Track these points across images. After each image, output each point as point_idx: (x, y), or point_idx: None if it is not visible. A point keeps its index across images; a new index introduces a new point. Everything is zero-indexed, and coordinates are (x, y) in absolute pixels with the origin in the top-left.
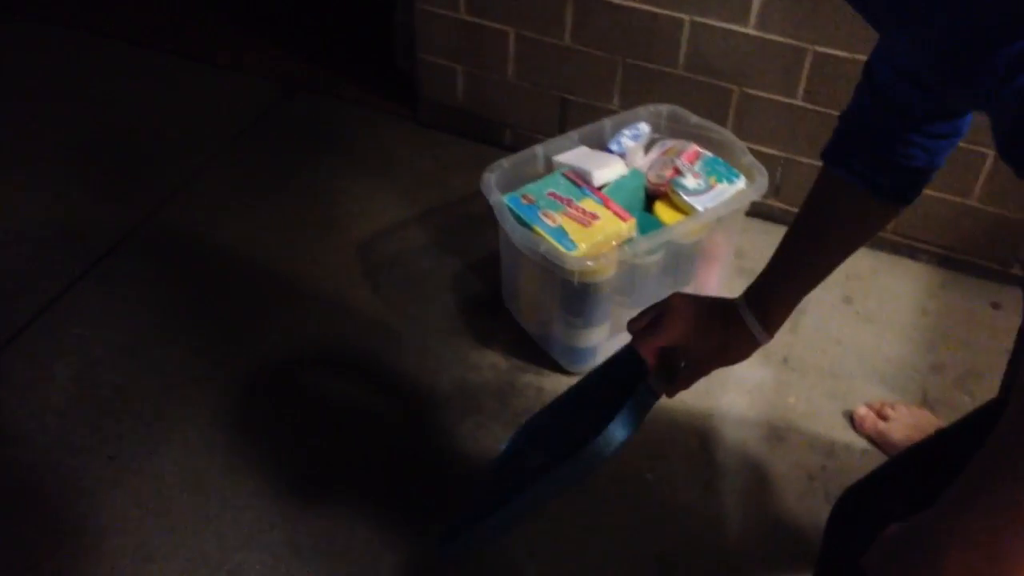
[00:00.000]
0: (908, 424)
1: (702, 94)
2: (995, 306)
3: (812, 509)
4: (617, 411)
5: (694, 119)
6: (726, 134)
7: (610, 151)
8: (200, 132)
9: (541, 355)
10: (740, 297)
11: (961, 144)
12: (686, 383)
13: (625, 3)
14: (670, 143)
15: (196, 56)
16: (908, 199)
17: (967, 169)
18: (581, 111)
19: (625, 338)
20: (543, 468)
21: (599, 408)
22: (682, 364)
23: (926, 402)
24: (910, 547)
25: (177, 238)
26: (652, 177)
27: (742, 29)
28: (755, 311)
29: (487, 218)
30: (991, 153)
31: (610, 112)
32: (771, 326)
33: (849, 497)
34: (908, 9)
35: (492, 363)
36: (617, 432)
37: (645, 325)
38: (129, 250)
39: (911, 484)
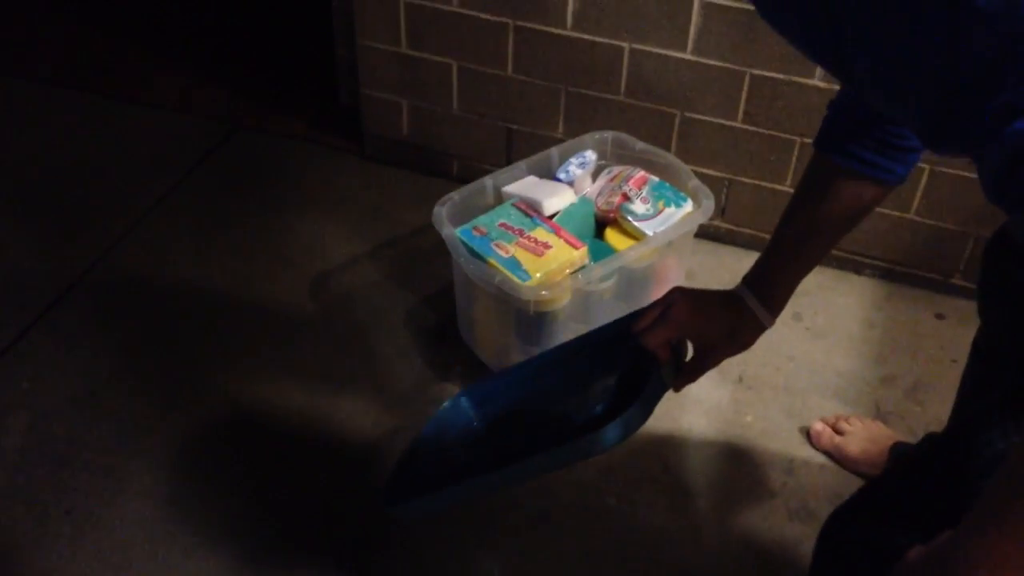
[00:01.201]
0: (863, 437)
1: (645, 119)
2: (939, 316)
3: (775, 526)
4: (624, 400)
5: (639, 145)
6: (671, 158)
7: (558, 180)
8: (142, 175)
9: None
10: (741, 285)
11: None
12: (695, 375)
13: (565, 33)
14: (617, 169)
15: (132, 98)
16: (902, 178)
17: (905, 184)
18: (527, 140)
19: None
20: (532, 445)
21: (590, 386)
22: (687, 357)
23: (879, 414)
24: (933, 570)
25: (125, 284)
26: (601, 204)
27: (680, 55)
28: (758, 296)
29: (438, 251)
30: (928, 167)
31: (556, 140)
32: (775, 309)
33: (836, 521)
34: (891, 83)
35: (452, 394)
36: (633, 422)
37: (652, 320)
38: (76, 298)
39: (898, 506)
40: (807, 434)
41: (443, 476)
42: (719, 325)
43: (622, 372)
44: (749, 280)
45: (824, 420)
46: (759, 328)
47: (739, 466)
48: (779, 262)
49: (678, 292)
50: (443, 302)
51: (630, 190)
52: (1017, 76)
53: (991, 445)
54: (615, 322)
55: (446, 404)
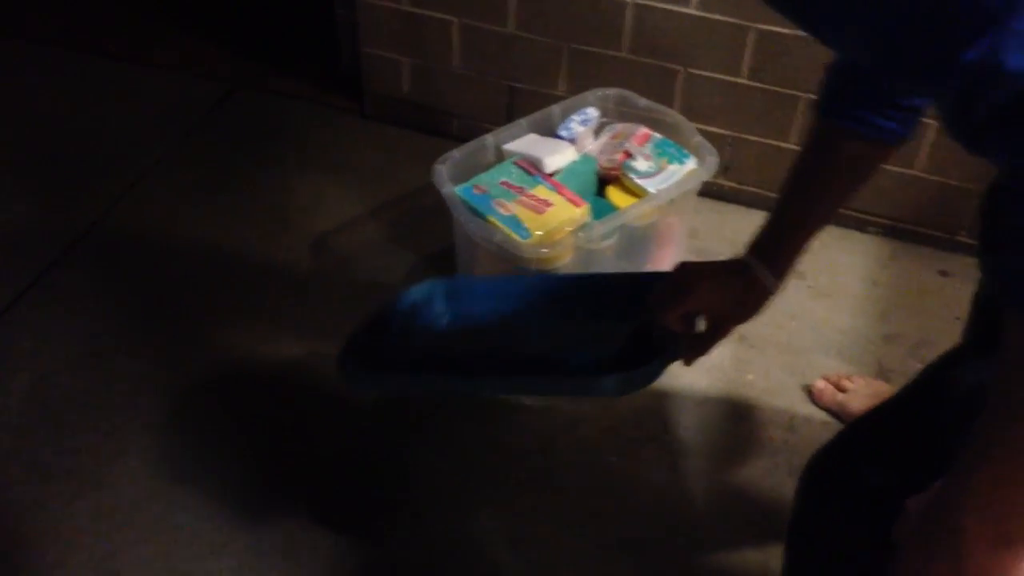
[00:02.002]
0: (866, 395)
1: (648, 76)
2: (943, 274)
3: (777, 483)
4: (633, 358)
5: (642, 102)
6: (674, 115)
7: (560, 137)
8: (143, 135)
9: None
10: (746, 253)
11: None
12: (707, 347)
13: None
14: (619, 127)
15: (133, 58)
16: (907, 137)
17: (911, 140)
18: (528, 98)
19: None
20: (527, 364)
21: (596, 329)
22: (703, 327)
23: (881, 372)
24: (930, 517)
25: (125, 244)
26: (603, 161)
27: (684, 9)
28: (765, 262)
29: (440, 210)
30: (933, 124)
31: (557, 98)
32: (781, 274)
33: (816, 463)
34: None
35: None
36: (638, 380)
37: (664, 295)
38: (77, 259)
39: (874, 446)
40: (809, 392)
41: (405, 359)
42: (728, 295)
43: (629, 330)
44: (754, 247)
45: (826, 378)
46: (766, 294)
47: (741, 424)
48: (784, 227)
49: (688, 265)
50: (445, 262)
51: (632, 147)
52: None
53: (962, 381)
54: (623, 275)
55: (421, 286)
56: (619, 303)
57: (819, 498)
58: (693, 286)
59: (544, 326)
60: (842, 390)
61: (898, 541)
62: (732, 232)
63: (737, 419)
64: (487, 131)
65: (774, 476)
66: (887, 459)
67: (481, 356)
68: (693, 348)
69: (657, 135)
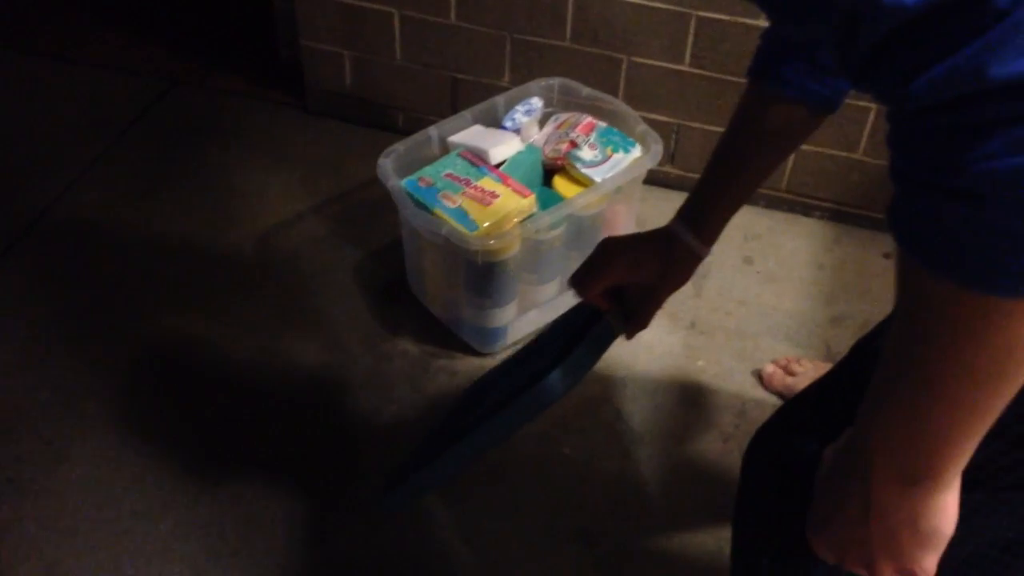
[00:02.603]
0: (814, 378)
1: (591, 65)
2: (887, 256)
3: (730, 469)
4: (571, 350)
5: (585, 91)
6: (618, 104)
7: (505, 128)
8: (79, 134)
9: (451, 338)
10: (674, 220)
11: (845, 100)
12: (644, 320)
13: None
14: (564, 116)
15: (67, 56)
16: (830, 101)
17: (852, 124)
18: (472, 89)
19: (537, 315)
20: (489, 412)
21: (540, 353)
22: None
23: (830, 355)
24: (839, 463)
25: (64, 244)
26: (548, 151)
27: None
28: (693, 229)
29: (386, 204)
30: (875, 108)
31: (501, 89)
32: (709, 240)
33: (756, 439)
34: None
35: (403, 350)
36: (581, 362)
37: (584, 271)
38: (14, 260)
39: (810, 417)
40: (759, 377)
41: (416, 465)
42: (652, 266)
43: (570, 332)
44: (683, 214)
45: (776, 362)
46: (695, 260)
47: (692, 410)
48: (711, 193)
49: (608, 240)
50: (392, 256)
51: (577, 136)
52: None
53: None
54: (575, 306)
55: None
56: (567, 318)
57: (758, 472)
58: (612, 260)
59: (517, 374)
60: (791, 374)
61: (816, 489)
62: None
63: (689, 405)
64: (431, 124)
65: (726, 460)
66: (822, 428)
67: (456, 432)
68: (630, 322)
69: (602, 124)
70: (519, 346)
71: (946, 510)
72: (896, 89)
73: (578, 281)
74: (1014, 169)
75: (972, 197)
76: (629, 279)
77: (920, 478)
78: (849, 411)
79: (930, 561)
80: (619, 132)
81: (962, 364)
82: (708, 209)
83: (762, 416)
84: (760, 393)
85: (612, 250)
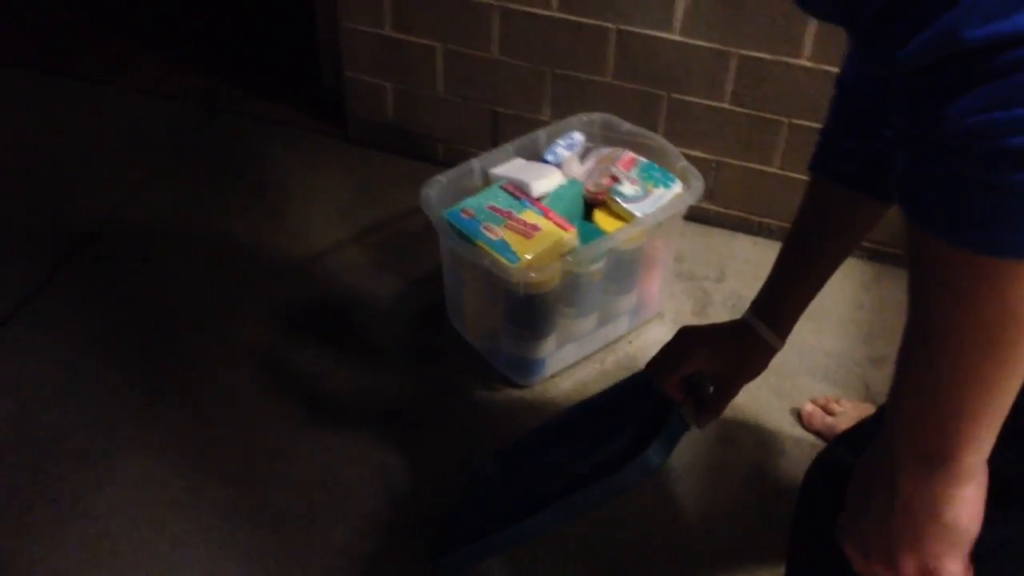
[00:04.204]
0: (854, 417)
1: (632, 101)
2: None
3: (767, 506)
4: (645, 441)
5: (626, 126)
6: (659, 140)
7: (546, 162)
8: (123, 159)
9: (489, 370)
10: (748, 313)
11: None
12: (717, 409)
13: (550, 14)
14: (605, 151)
15: (112, 81)
16: (890, 194)
17: None
18: (512, 123)
19: (575, 348)
20: (560, 491)
21: (611, 435)
22: (711, 390)
23: (868, 395)
24: (867, 461)
25: (107, 270)
26: (590, 186)
27: (667, 35)
28: (767, 322)
29: (425, 235)
30: None
31: (541, 123)
32: (784, 333)
33: (818, 462)
34: None
35: (440, 380)
36: (653, 460)
37: (662, 361)
38: (59, 285)
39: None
40: (798, 415)
41: (476, 527)
42: (730, 357)
43: (641, 418)
44: (757, 306)
45: (815, 401)
46: (770, 352)
47: (730, 448)
48: (785, 287)
49: (687, 329)
50: (431, 286)
51: (619, 171)
52: None
53: None
54: (632, 376)
55: (472, 467)
56: (633, 398)
57: (814, 493)
58: (690, 351)
59: (580, 451)
60: (831, 413)
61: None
62: (717, 256)
63: (727, 443)
64: (471, 156)
65: (764, 499)
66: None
67: (520, 500)
68: (704, 411)
69: (643, 159)
70: (556, 379)
71: (968, 503)
72: (893, 55)
73: (657, 369)
74: (985, 122)
75: (953, 151)
76: (708, 369)
77: (939, 458)
78: None
79: (954, 562)
80: (660, 168)
81: (962, 328)
82: (782, 302)
83: (800, 456)
84: (799, 432)
85: (691, 340)
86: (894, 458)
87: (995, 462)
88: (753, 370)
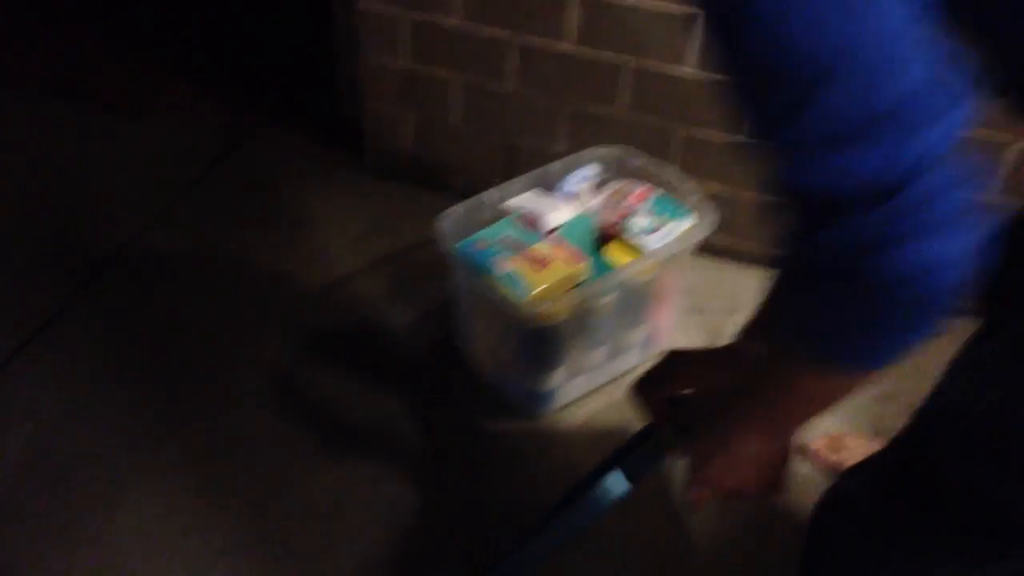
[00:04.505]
0: (862, 454)
1: (647, 135)
2: (937, 334)
3: (775, 541)
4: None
5: (642, 159)
6: (673, 173)
7: (560, 194)
8: (145, 188)
9: (499, 401)
10: (738, 336)
11: None
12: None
13: (567, 49)
14: (620, 184)
15: (135, 111)
16: None
17: None
18: (529, 155)
19: (585, 380)
20: (552, 514)
21: (611, 464)
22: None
23: (878, 432)
24: (713, 413)
25: (126, 298)
26: (603, 219)
27: (683, 69)
28: (758, 346)
29: (440, 265)
30: None
31: (557, 155)
32: None
33: (826, 500)
34: None
35: (451, 411)
36: (612, 487)
37: (649, 380)
38: (77, 312)
39: (876, 477)
40: (807, 452)
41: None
42: (720, 381)
43: (631, 443)
44: (746, 330)
45: (822, 437)
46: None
47: None
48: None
49: (676, 352)
50: (444, 316)
51: (632, 204)
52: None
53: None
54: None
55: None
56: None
57: (825, 529)
58: (678, 373)
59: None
60: (837, 449)
61: (691, 423)
62: (729, 289)
63: None
64: (487, 187)
65: (772, 535)
66: (887, 490)
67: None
68: (684, 435)
69: (657, 192)
70: (566, 411)
71: (780, 452)
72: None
73: (641, 387)
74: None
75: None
76: (695, 391)
77: (775, 432)
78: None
79: (765, 484)
80: (673, 200)
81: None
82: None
83: (808, 492)
84: (807, 468)
85: (679, 361)
86: (737, 424)
87: (1000, 496)
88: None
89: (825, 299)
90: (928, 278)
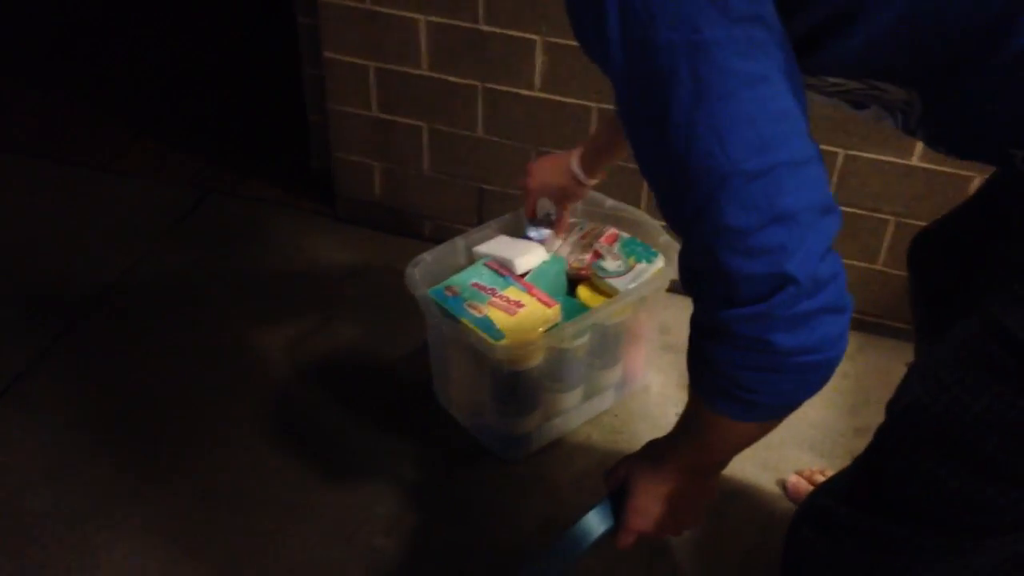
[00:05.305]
0: None
1: (615, 177)
2: (910, 366)
3: None
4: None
5: (609, 202)
6: (641, 215)
7: (529, 239)
8: (114, 243)
9: (476, 446)
10: (574, 158)
11: (863, 212)
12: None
13: (533, 94)
14: (588, 226)
15: (103, 166)
16: None
17: (872, 235)
18: (498, 199)
19: (560, 422)
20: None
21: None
22: (551, 215)
23: None
24: (646, 464)
25: (95, 354)
26: (573, 261)
27: None
28: (583, 168)
29: (414, 311)
30: (892, 219)
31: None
32: (592, 177)
33: (801, 515)
34: None
35: (427, 457)
36: (590, 523)
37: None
38: (45, 369)
39: (848, 486)
40: (783, 487)
41: None
42: (557, 182)
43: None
44: (581, 157)
45: (800, 473)
46: (584, 188)
47: (717, 523)
48: (604, 153)
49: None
50: (417, 362)
51: (601, 247)
52: None
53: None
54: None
55: None
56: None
57: (801, 544)
58: (534, 172)
59: None
60: (815, 484)
61: (624, 483)
62: None
63: (714, 517)
64: (458, 232)
65: (750, 570)
66: (850, 491)
67: None
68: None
69: (625, 234)
70: (542, 453)
71: (709, 489)
72: None
73: (528, 182)
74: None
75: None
76: (544, 187)
77: (702, 472)
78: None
79: (691, 519)
80: (642, 243)
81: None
82: (597, 160)
83: (786, 526)
84: (785, 504)
85: (538, 167)
86: (669, 469)
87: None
88: (570, 197)
89: (727, 360)
90: (813, 353)
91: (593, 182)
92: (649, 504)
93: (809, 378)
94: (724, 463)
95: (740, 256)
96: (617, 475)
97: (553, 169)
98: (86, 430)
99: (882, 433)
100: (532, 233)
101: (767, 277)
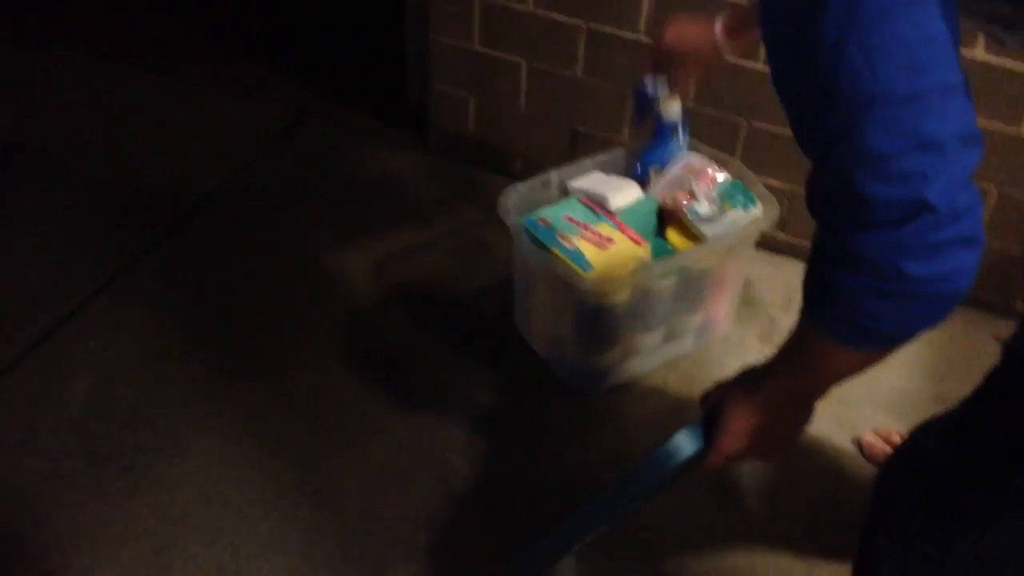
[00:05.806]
0: None
1: (712, 127)
2: (997, 339)
3: (822, 536)
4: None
5: (705, 149)
6: (738, 165)
7: (644, 92)
8: (212, 158)
9: (551, 378)
10: (718, 24)
11: None
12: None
13: (637, 37)
14: (694, 159)
15: (205, 82)
16: None
17: None
18: (591, 142)
19: (638, 362)
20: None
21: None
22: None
23: None
24: (745, 387)
25: (194, 258)
26: (667, 200)
27: (750, 64)
28: (726, 32)
29: (498, 244)
30: (994, 189)
31: (619, 144)
32: (734, 43)
33: (898, 457)
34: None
35: (503, 385)
36: (680, 442)
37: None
38: (147, 267)
39: (950, 431)
40: (859, 446)
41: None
42: (700, 37)
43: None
44: (725, 22)
45: (876, 432)
46: (718, 53)
47: (790, 474)
48: (743, 18)
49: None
50: (499, 294)
51: (698, 187)
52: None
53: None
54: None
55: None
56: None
57: (895, 487)
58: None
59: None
60: (892, 445)
61: (719, 402)
62: (786, 285)
63: (787, 469)
64: (547, 172)
65: (820, 528)
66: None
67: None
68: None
69: (728, 177)
70: (617, 392)
71: (801, 419)
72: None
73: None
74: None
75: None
76: (682, 42)
77: (803, 403)
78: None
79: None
80: (743, 187)
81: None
82: (741, 28)
83: (859, 485)
84: (859, 462)
85: (674, 26)
86: (771, 395)
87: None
88: (707, 57)
89: (853, 286)
90: (943, 283)
91: (731, 50)
92: (741, 426)
93: (934, 308)
94: (821, 393)
95: (880, 182)
96: (712, 397)
97: (693, 28)
98: (180, 329)
99: (995, 372)
100: (648, 86)
101: (905, 203)
